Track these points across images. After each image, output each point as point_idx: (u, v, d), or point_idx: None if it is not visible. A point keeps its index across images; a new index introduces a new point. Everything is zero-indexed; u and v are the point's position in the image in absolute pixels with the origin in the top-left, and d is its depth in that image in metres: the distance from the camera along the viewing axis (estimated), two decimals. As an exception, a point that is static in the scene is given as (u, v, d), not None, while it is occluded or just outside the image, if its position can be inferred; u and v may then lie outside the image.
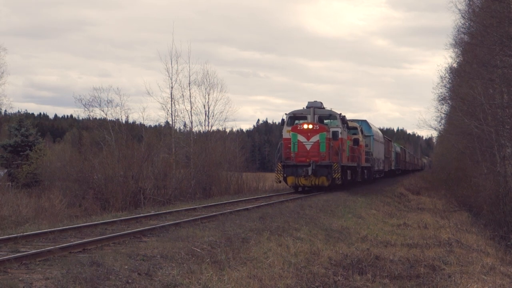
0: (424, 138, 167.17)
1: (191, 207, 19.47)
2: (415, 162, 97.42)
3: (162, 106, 39.08)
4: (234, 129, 63.27)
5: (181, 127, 42.15)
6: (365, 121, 41.62)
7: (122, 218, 15.70)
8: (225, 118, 41.25)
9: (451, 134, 39.24)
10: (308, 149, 27.10)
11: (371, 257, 13.01)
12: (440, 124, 45.89)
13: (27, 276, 8.41)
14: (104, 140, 38.41)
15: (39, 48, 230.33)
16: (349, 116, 37.73)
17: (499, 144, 25.79)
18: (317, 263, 11.96)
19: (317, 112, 28.73)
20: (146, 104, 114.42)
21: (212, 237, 12.32)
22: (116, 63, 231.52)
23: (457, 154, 41.07)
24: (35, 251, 10.03)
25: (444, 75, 39.10)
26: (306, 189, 28.35)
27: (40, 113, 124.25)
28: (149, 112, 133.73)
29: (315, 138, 27.06)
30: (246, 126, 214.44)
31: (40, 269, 8.98)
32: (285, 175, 27.34)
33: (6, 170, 42.76)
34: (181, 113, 40.50)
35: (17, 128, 44.68)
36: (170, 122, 39.09)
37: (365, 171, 36.72)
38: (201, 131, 41.09)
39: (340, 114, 29.30)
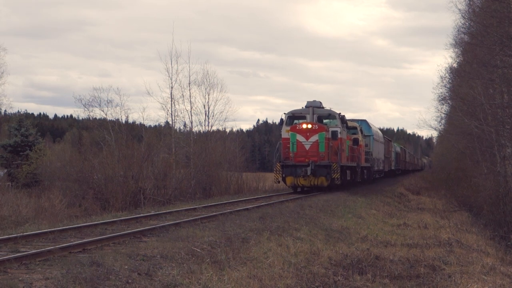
0: (424, 138, 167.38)
1: (191, 207, 19.47)
2: (415, 162, 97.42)
3: (162, 106, 39.13)
4: (234, 129, 63.41)
5: (181, 127, 42.21)
6: (364, 121, 41.47)
7: (122, 218, 15.70)
8: (225, 118, 41.31)
9: (451, 134, 39.25)
10: (307, 149, 26.95)
11: (371, 257, 13.01)
12: (440, 124, 45.93)
13: (27, 276, 8.41)
14: (104, 140, 38.42)
15: (39, 48, 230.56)
16: (349, 116, 37.78)
17: (499, 144, 25.78)
18: (317, 263, 11.96)
19: (316, 112, 28.57)
20: (146, 104, 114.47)
21: (212, 237, 12.32)
22: (116, 63, 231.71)
23: (457, 154, 41.08)
24: (35, 251, 10.03)
25: (444, 75, 39.13)
26: (305, 190, 28.23)
27: (40, 113, 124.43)
28: (149, 112, 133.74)
29: (314, 138, 26.91)
30: (246, 126, 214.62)
31: (40, 269, 8.98)
32: (284, 175, 27.19)
33: (6, 170, 42.78)
34: (181, 113, 40.50)
35: (17, 128, 44.69)
36: (170, 122, 39.14)
37: (365, 171, 36.60)
38: (201, 131, 41.15)
39: (340, 113, 29.13)
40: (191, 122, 39.48)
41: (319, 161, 26.79)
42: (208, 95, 40.04)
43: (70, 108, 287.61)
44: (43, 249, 10.18)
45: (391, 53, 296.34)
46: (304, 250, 12.78)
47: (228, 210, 18.16)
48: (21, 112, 76.71)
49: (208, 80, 40.06)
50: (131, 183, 30.54)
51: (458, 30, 33.34)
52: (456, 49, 36.69)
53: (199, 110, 40.13)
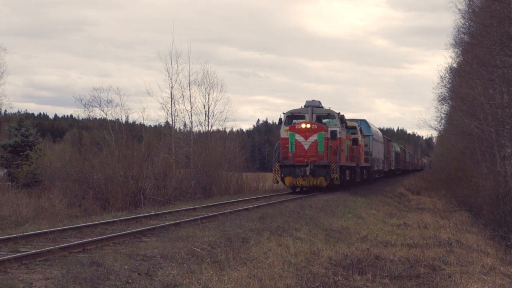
0: (424, 138, 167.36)
1: (191, 207, 19.46)
2: (415, 162, 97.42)
3: (162, 106, 39.13)
4: (234, 129, 63.40)
5: (181, 127, 42.21)
6: (364, 121, 41.33)
7: (122, 218, 15.70)
8: (225, 118, 41.32)
9: (451, 134, 39.24)
10: (306, 148, 26.77)
11: (371, 257, 13.01)
12: (440, 124, 45.93)
13: (27, 276, 8.41)
14: (104, 140, 38.42)
15: (39, 48, 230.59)
16: (349, 116, 37.77)
17: (499, 144, 25.79)
18: (317, 263, 11.96)
19: (315, 111, 28.32)
20: (146, 104, 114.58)
21: (212, 237, 12.32)
22: (116, 63, 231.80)
23: (457, 154, 41.08)
24: (35, 251, 10.03)
25: (444, 75, 39.13)
26: (305, 190, 28.08)
27: (40, 113, 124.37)
28: (149, 112, 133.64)
29: (313, 137, 26.73)
30: (246, 126, 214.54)
31: (40, 269, 8.98)
32: (282, 175, 27.00)
33: (6, 170, 42.77)
34: (181, 113, 40.52)
35: (17, 128, 44.69)
36: (170, 122, 39.15)
37: (365, 171, 36.44)
38: (201, 131, 41.15)
39: (339, 113, 28.92)
40: (191, 122, 39.54)
41: (318, 161, 26.61)
42: (208, 95, 40.09)
43: (70, 108, 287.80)
44: (43, 249, 10.18)
45: (391, 53, 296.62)
46: (304, 250, 12.78)
47: (228, 210, 18.16)
48: (21, 112, 76.67)
49: (208, 80, 40.11)
50: (131, 183, 30.53)
51: (458, 30, 33.39)
52: (456, 49, 36.75)
53: (199, 110, 40.18)
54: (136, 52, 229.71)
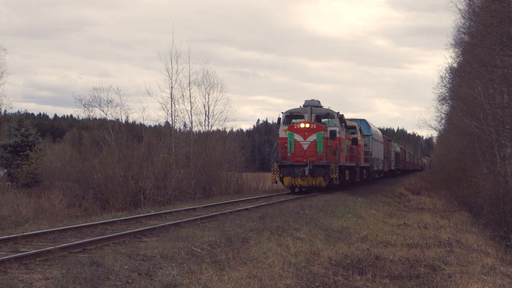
0: (424, 138, 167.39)
1: (191, 207, 19.46)
2: (415, 162, 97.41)
3: (162, 106, 39.13)
4: (234, 129, 63.39)
5: (181, 127, 42.20)
6: (364, 121, 41.19)
7: (122, 218, 15.70)
8: (225, 118, 41.30)
9: (451, 134, 39.24)
10: (305, 148, 26.55)
11: (371, 257, 13.01)
12: (440, 124, 45.93)
13: (27, 276, 8.41)
14: (104, 140, 38.41)
15: (39, 48, 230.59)
16: (349, 116, 37.74)
17: (499, 144, 25.78)
18: (317, 263, 11.96)
19: (314, 111, 28.08)
20: (146, 104, 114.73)
21: (212, 237, 12.32)
22: (116, 63, 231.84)
23: (457, 154, 41.07)
24: (35, 251, 10.03)
25: (444, 75, 39.15)
26: (304, 190, 27.88)
27: (40, 113, 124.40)
28: (149, 112, 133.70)
29: (312, 137, 26.50)
30: (246, 126, 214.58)
31: (40, 269, 8.98)
32: (281, 175, 26.80)
33: (6, 170, 42.78)
34: (181, 113, 40.51)
35: (17, 128, 44.69)
36: (170, 122, 39.14)
37: (364, 171, 36.25)
38: (201, 131, 41.14)
39: (338, 112, 28.68)
40: (191, 122, 39.53)
41: (317, 161, 26.40)
42: (208, 95, 40.09)
43: (70, 108, 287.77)
44: (43, 249, 10.17)
45: (391, 53, 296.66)
46: (304, 250, 12.78)
47: (228, 210, 18.16)
48: (21, 112, 76.85)
49: (208, 80, 40.10)
50: (131, 183, 30.53)
51: (458, 30, 33.39)
52: (456, 49, 36.75)
53: (199, 110, 40.18)
54: (136, 52, 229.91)
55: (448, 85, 38.94)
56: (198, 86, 39.85)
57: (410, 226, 19.81)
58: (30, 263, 9.32)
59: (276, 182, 28.10)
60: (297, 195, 26.31)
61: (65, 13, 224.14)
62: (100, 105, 40.13)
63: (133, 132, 41.27)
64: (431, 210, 27.01)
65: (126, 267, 9.20)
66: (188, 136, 40.02)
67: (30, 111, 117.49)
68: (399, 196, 35.26)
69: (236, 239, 12.48)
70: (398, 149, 65.18)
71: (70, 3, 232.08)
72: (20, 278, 8.22)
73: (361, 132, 35.56)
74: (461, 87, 30.72)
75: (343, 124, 29.15)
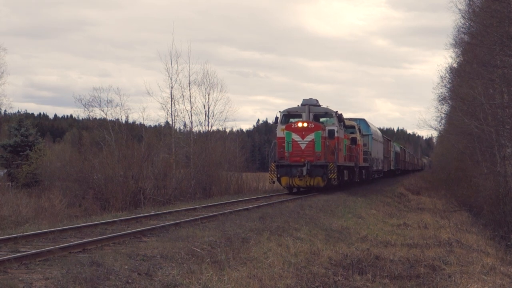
0: (424, 138, 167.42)
1: (191, 207, 19.46)
2: (415, 162, 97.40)
3: (162, 106, 39.13)
4: (234, 129, 63.37)
5: (181, 127, 42.19)
6: (363, 120, 40.95)
7: (122, 218, 15.70)
8: (225, 118, 41.25)
9: (451, 134, 39.24)
10: (302, 148, 26.22)
11: (371, 257, 13.00)
12: (440, 124, 45.92)
13: (27, 276, 8.41)
14: (104, 140, 38.40)
15: (39, 48, 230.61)
16: (349, 116, 37.71)
17: (499, 144, 25.79)
18: (317, 263, 11.96)
19: (312, 110, 27.70)
20: (146, 104, 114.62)
21: (212, 237, 12.32)
22: (116, 63, 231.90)
23: (457, 154, 41.07)
24: (35, 251, 10.03)
25: (444, 75, 39.14)
26: (302, 190, 27.60)
27: (40, 113, 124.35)
28: (149, 112, 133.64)
29: (310, 137, 26.17)
30: (246, 126, 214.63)
31: (40, 269, 8.98)
32: (279, 175, 26.44)
33: (6, 170, 42.78)
34: (181, 113, 40.52)
35: (17, 128, 44.69)
36: (170, 122, 39.14)
37: (363, 171, 35.95)
38: (201, 131, 41.12)
39: (337, 112, 28.27)
40: (191, 122, 39.52)
41: (315, 161, 26.09)
42: (208, 95, 40.06)
43: (70, 108, 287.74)
44: (43, 249, 10.17)
45: (391, 53, 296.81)
46: (304, 250, 12.78)
47: (228, 210, 18.15)
48: (21, 112, 76.85)
49: (208, 80, 40.07)
50: (131, 183, 30.53)
51: (458, 30, 33.39)
52: (456, 49, 36.75)
53: (199, 110, 40.16)
54: (136, 52, 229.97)
55: (448, 85, 38.98)
56: (198, 86, 39.87)
57: (410, 226, 19.80)
58: (30, 263, 9.32)
59: (274, 182, 27.74)
60: (297, 195, 26.22)
61: (65, 13, 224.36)
62: (100, 105, 40.15)
63: (133, 132, 41.26)
64: (431, 210, 27.00)
65: (126, 267, 9.20)
66: (188, 136, 40.01)
67: (30, 111, 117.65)
68: (399, 196, 35.24)
69: (236, 239, 12.47)
70: (398, 149, 65.15)
71: (70, 3, 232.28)
72: (20, 278, 8.22)
73: (360, 131, 35.37)
74: (461, 87, 30.72)
75: (342, 123, 28.81)
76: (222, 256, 10.82)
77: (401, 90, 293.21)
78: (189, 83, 38.41)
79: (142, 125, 41.90)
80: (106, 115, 40.09)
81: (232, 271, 10.06)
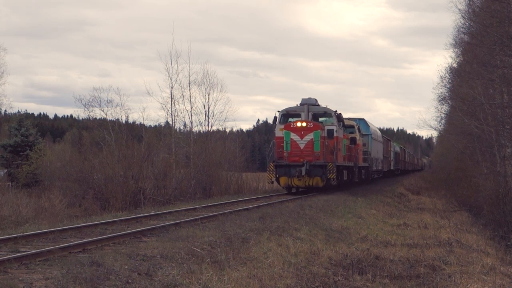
0: (424, 138, 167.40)
1: (191, 207, 19.46)
2: (415, 162, 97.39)
3: (162, 106, 39.14)
4: (234, 129, 63.35)
5: (181, 127, 42.19)
6: (363, 120, 40.76)
7: (122, 218, 15.70)
8: (225, 118, 41.26)
9: (451, 134, 39.24)
10: (301, 148, 26.00)
11: (371, 257, 13.00)
12: (440, 124, 45.93)
13: (27, 276, 8.41)
14: (104, 140, 38.41)
15: (39, 48, 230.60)
16: (348, 115, 37.67)
17: (499, 144, 25.79)
18: (317, 263, 11.96)
19: (311, 110, 27.47)
20: (146, 104, 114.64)
21: (212, 237, 12.32)
22: (116, 63, 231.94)
23: (457, 154, 41.08)
24: (35, 251, 10.03)
25: (444, 75, 39.15)
26: (301, 190, 27.43)
27: (40, 113, 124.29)
28: (149, 112, 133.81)
29: (309, 136, 25.97)
30: (246, 126, 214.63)
31: (40, 269, 8.98)
32: (277, 175, 26.20)
33: (6, 170, 42.77)
34: (181, 113, 40.54)
35: (17, 128, 44.68)
36: (170, 122, 39.14)
37: (363, 171, 35.76)
38: (201, 131, 41.12)
39: (336, 111, 28.07)
40: (191, 122, 39.52)
41: (314, 161, 25.89)
42: (208, 95, 40.06)
43: (70, 108, 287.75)
44: (43, 249, 10.17)
45: (391, 53, 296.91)
46: (304, 250, 12.78)
47: (228, 210, 18.15)
48: (21, 112, 76.70)
49: (208, 80, 40.07)
50: (131, 183, 30.53)
51: (458, 30, 33.39)
52: (456, 49, 36.76)
53: (199, 110, 40.17)
54: (136, 52, 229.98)
55: (448, 85, 38.98)
56: (198, 86, 39.87)
57: (410, 226, 19.80)
58: (30, 263, 9.32)
59: (272, 183, 27.54)
60: (297, 195, 26.15)
61: (65, 13, 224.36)
62: (100, 105, 40.17)
63: (133, 132, 41.26)
64: (431, 210, 27.00)
65: (126, 267, 9.20)
66: (188, 136, 40.01)
67: (30, 111, 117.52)
68: (399, 196, 35.24)
69: (236, 239, 12.48)
70: (397, 149, 65.10)
71: (70, 3, 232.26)
72: (20, 278, 8.22)
73: (359, 131, 35.24)
74: (461, 87, 30.72)
75: (341, 123, 28.62)
76: (222, 256, 10.82)
77: (401, 90, 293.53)
78: (189, 83, 38.45)
79: (142, 125, 41.97)
80: (106, 115, 40.16)
81: (232, 271, 10.06)
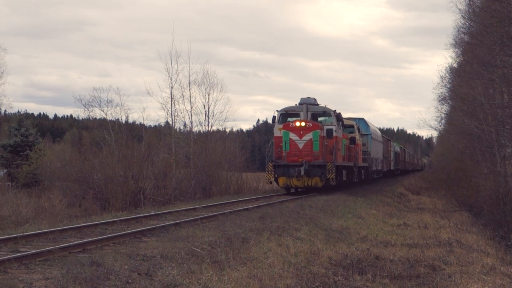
0: (424, 138, 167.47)
1: (191, 207, 19.45)
2: (415, 162, 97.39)
3: (162, 106, 39.13)
4: (234, 129, 63.36)
5: (181, 127, 42.19)
6: (362, 119, 40.64)
7: (122, 218, 15.70)
8: (225, 118, 41.25)
9: (451, 134, 39.25)
10: (300, 148, 25.82)
11: (371, 257, 13.00)
12: (440, 124, 45.93)
13: (27, 276, 8.41)
14: (104, 140, 38.41)
15: (39, 48, 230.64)
16: (348, 115, 37.63)
17: (499, 144, 25.79)
18: (317, 263, 11.96)
19: (310, 109, 27.27)
20: (146, 104, 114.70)
21: (212, 237, 12.32)
22: (116, 63, 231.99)
23: (457, 154, 41.08)
24: (35, 251, 10.03)
25: (444, 75, 39.16)
26: (300, 191, 27.28)
27: (40, 113, 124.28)
28: (149, 112, 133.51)
29: (308, 136, 25.79)
30: (246, 126, 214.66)
31: (40, 269, 8.98)
32: (276, 175, 26.01)
33: (6, 170, 42.78)
34: (181, 113, 40.52)
35: (17, 128, 44.69)
36: (170, 122, 39.14)
37: (362, 171, 35.62)
38: (201, 131, 41.12)
39: (335, 111, 27.90)
40: (191, 122, 39.52)
41: (313, 161, 25.70)
42: (208, 95, 40.07)
43: (70, 108, 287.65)
44: (43, 249, 10.17)
45: (391, 53, 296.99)
46: (304, 250, 12.78)
47: (228, 210, 18.15)
48: (21, 112, 76.84)
49: (208, 80, 40.07)
50: (131, 183, 30.53)
51: (458, 30, 33.39)
52: (456, 49, 36.76)
53: (199, 110, 40.16)
54: (136, 52, 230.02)
55: (448, 85, 38.99)
56: (198, 86, 39.88)
57: (410, 226, 19.80)
58: (30, 263, 9.31)
59: (271, 183, 27.36)
60: (297, 195, 26.11)
61: (65, 13, 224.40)
62: (100, 105, 40.16)
63: (133, 132, 41.25)
64: (431, 210, 26.99)
65: (126, 267, 9.20)
66: (188, 136, 40.01)
67: (30, 111, 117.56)
68: (399, 196, 35.23)
69: (236, 239, 12.47)
70: (397, 148, 65.07)
71: (70, 3, 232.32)
72: (20, 278, 8.22)
73: (359, 131, 35.14)
74: (461, 87, 30.72)
75: (340, 122, 28.47)
76: (222, 256, 10.82)
77: (401, 90, 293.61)
78: (189, 83, 38.46)
79: (142, 125, 41.96)
80: (106, 115, 40.15)
81: (232, 271, 10.06)
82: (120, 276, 8.66)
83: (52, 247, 10.30)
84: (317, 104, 28.09)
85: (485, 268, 12.49)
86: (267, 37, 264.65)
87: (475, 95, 25.00)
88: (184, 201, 28.73)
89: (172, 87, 37.59)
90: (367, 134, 39.23)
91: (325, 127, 26.75)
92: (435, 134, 65.74)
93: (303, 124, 26.10)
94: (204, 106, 40.03)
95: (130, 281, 8.58)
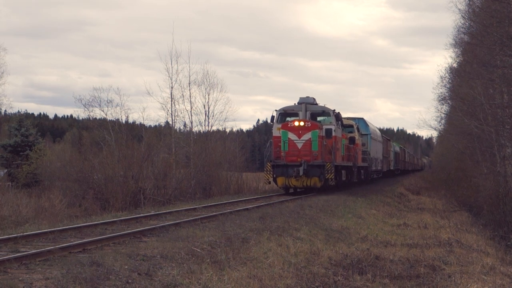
0: (424, 138, 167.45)
1: (191, 207, 19.46)
2: (415, 162, 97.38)
3: (162, 106, 39.13)
4: (234, 129, 63.45)
5: (181, 127, 42.19)
6: (362, 119, 40.56)
7: (122, 218, 15.70)
8: (225, 118, 41.23)
9: (451, 134, 39.25)
10: (299, 147, 25.66)
11: (371, 257, 13.00)
12: (440, 124, 45.93)
13: (27, 276, 8.41)
14: (104, 140, 38.41)
15: (39, 48, 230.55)
16: (348, 115, 37.62)
17: (499, 144, 25.80)
18: (317, 263, 11.96)
19: (309, 109, 27.14)
20: (146, 104, 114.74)
21: (212, 237, 12.32)
22: (116, 63, 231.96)
23: (457, 154, 41.09)
24: (35, 251, 10.03)
25: (444, 75, 39.17)
26: (298, 191, 27.18)
27: (40, 113, 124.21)
28: (149, 112, 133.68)
29: (307, 136, 25.64)
30: (246, 126, 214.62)
31: (40, 269, 8.98)
32: (274, 175, 25.92)
33: (6, 170, 42.77)
34: (181, 113, 40.52)
35: (17, 128, 44.69)
36: (170, 122, 39.14)
37: (362, 171, 35.51)
38: (201, 131, 41.12)
39: (334, 110, 27.80)
40: (191, 122, 39.52)
41: (312, 161, 25.56)
42: (208, 95, 40.06)
43: (70, 108, 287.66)
44: (43, 249, 10.17)
45: (391, 53, 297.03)
46: (304, 250, 12.78)
47: (228, 210, 18.15)
48: (21, 112, 76.66)
49: (208, 80, 40.06)
50: (131, 183, 30.53)
51: (458, 30, 33.41)
52: (456, 49, 36.78)
53: (199, 110, 40.16)
54: (136, 52, 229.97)
55: (448, 85, 39.00)
56: (198, 86, 39.87)
57: (410, 226, 19.80)
58: (30, 263, 9.32)
59: (270, 183, 27.25)
60: (297, 195, 26.09)
61: (65, 13, 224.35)
62: (100, 105, 40.16)
63: (133, 132, 41.25)
64: (431, 210, 26.99)
65: (126, 267, 9.20)
66: (188, 136, 40.01)
67: (30, 111, 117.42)
68: (399, 196, 35.22)
69: (236, 239, 12.48)
70: (397, 148, 65.04)
71: (70, 3, 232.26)
72: (20, 278, 8.22)
73: (358, 131, 35.04)
74: (461, 87, 30.73)
75: (340, 122, 28.34)
76: (222, 256, 10.82)
77: (401, 90, 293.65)
78: (189, 83, 38.45)
79: (142, 125, 41.97)
80: (106, 115, 40.15)
81: (232, 271, 10.07)
82: (120, 276, 8.66)
83: (52, 247, 10.30)
84: (316, 104, 27.97)
85: (485, 268, 12.50)
86: (267, 37, 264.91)
87: (475, 95, 25.00)
88: (184, 201, 28.72)
89: (172, 87, 37.62)
90: (367, 134, 39.19)
91: (324, 127, 26.65)
92: (435, 134, 65.80)
93: (302, 123, 25.96)
94: (204, 106, 40.06)
95: (130, 281, 8.59)
